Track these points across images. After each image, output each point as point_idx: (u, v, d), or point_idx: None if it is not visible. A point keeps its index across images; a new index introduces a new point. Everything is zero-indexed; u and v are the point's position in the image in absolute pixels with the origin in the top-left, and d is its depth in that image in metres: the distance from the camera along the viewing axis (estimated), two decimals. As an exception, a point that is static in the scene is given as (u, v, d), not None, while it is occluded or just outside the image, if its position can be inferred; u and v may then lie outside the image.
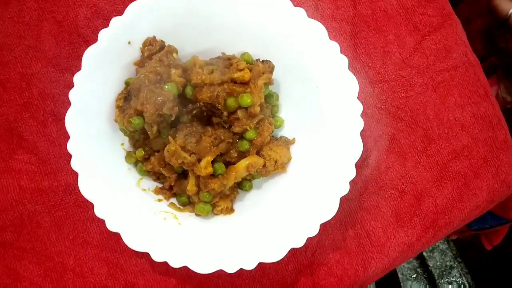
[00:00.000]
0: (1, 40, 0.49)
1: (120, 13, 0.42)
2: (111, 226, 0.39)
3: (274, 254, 0.39)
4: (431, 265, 1.08)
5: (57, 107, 0.48)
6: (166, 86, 0.40)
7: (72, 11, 0.49)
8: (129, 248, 0.39)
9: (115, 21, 0.41)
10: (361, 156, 0.41)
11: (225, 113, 0.41)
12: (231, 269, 0.39)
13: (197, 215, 0.44)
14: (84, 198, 0.39)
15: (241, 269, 0.39)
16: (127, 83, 0.43)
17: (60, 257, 0.46)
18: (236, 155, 0.43)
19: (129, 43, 0.42)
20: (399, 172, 0.49)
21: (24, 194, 0.47)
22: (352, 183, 0.40)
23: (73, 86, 0.40)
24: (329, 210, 0.40)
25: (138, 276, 0.46)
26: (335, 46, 0.42)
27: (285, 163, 0.45)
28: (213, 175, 0.42)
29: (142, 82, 0.40)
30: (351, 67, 0.43)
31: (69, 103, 0.40)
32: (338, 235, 0.47)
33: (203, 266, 0.39)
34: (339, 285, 0.47)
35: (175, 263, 0.39)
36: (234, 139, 0.42)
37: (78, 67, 0.40)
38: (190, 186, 0.42)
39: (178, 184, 0.44)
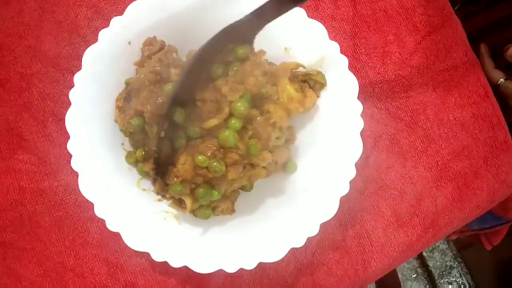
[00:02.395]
0: (1, 40, 0.49)
1: (120, 13, 0.42)
2: (111, 226, 0.39)
3: (274, 254, 0.39)
4: (431, 265, 1.08)
5: (57, 107, 0.48)
6: (166, 86, 0.40)
7: (72, 11, 0.49)
8: (129, 248, 0.39)
9: (115, 21, 0.41)
10: (361, 156, 0.41)
11: None
12: (231, 269, 0.39)
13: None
14: (84, 198, 0.39)
15: (241, 269, 0.39)
16: (127, 83, 0.43)
17: (60, 257, 0.46)
18: None
19: (129, 43, 0.42)
20: (399, 172, 0.49)
21: (24, 194, 0.47)
22: (352, 183, 0.40)
23: (73, 86, 0.40)
24: (329, 210, 0.40)
25: (138, 276, 0.46)
26: (335, 46, 0.42)
27: (285, 163, 0.44)
28: None
29: (142, 82, 0.40)
30: (351, 67, 0.43)
31: (69, 103, 0.40)
32: (338, 235, 0.47)
33: (203, 266, 0.39)
34: (339, 285, 0.47)
35: (175, 263, 0.39)
36: None
37: (78, 67, 0.40)
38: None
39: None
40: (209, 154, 0.37)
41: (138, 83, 0.41)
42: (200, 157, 0.37)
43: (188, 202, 0.40)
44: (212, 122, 0.38)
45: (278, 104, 0.41)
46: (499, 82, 0.56)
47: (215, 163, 0.37)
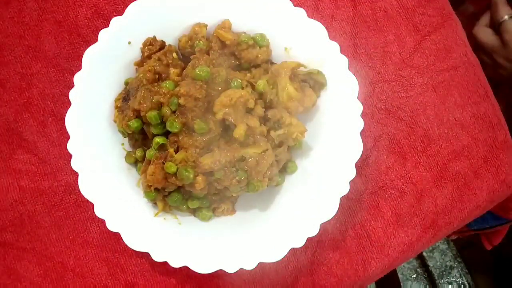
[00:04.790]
0: (1, 40, 0.49)
1: (120, 13, 0.42)
2: (111, 226, 0.39)
3: (274, 254, 0.39)
4: (431, 265, 1.08)
5: (57, 107, 0.48)
6: (164, 84, 0.40)
7: (72, 11, 0.49)
8: (129, 248, 0.39)
9: (115, 21, 0.41)
10: (361, 156, 0.41)
11: None
12: (231, 269, 0.39)
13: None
14: (84, 198, 0.39)
15: (241, 269, 0.39)
16: (126, 83, 0.43)
17: (60, 257, 0.46)
18: None
19: (129, 43, 0.42)
20: (399, 172, 0.49)
21: (24, 194, 0.47)
22: (352, 183, 0.40)
23: (73, 86, 0.40)
24: (329, 210, 0.40)
25: (138, 276, 0.46)
26: (335, 46, 0.42)
27: (286, 163, 0.44)
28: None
29: (140, 82, 0.40)
30: (351, 67, 0.43)
31: (69, 103, 0.40)
32: (338, 235, 0.47)
33: (203, 266, 0.39)
34: (339, 285, 0.47)
35: (175, 263, 0.39)
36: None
37: (78, 67, 0.40)
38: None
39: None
40: (179, 162, 0.38)
41: (136, 82, 0.41)
42: (168, 164, 0.38)
43: (160, 205, 0.42)
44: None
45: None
46: (502, 19, 0.55)
47: (182, 170, 0.38)
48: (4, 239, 0.47)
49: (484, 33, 0.59)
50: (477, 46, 0.59)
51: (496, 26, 0.55)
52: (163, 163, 0.38)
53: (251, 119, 0.39)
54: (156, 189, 0.40)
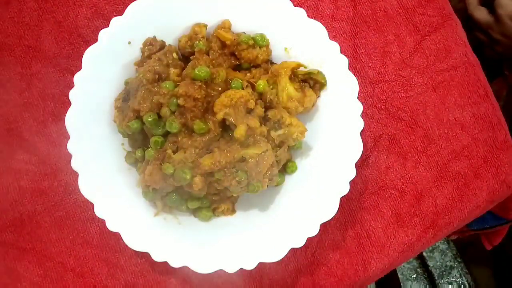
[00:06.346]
0: (1, 40, 0.49)
1: (120, 13, 0.42)
2: (111, 226, 0.39)
3: (274, 254, 0.39)
4: (431, 265, 1.08)
5: (57, 107, 0.48)
6: (164, 84, 0.40)
7: (72, 11, 0.49)
8: (129, 248, 0.39)
9: (115, 21, 0.41)
10: (361, 156, 0.41)
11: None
12: (231, 269, 0.39)
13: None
14: (84, 198, 0.39)
15: (241, 269, 0.39)
16: (126, 83, 0.43)
17: (60, 257, 0.46)
18: None
19: (129, 43, 0.42)
20: (399, 172, 0.49)
21: (24, 194, 0.47)
22: (352, 183, 0.40)
23: (73, 86, 0.40)
24: (329, 210, 0.40)
25: (138, 276, 0.46)
26: (335, 46, 0.42)
27: (286, 164, 0.45)
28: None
29: (140, 82, 0.40)
30: (351, 67, 0.43)
31: (69, 103, 0.40)
32: (338, 235, 0.47)
33: (203, 266, 0.39)
34: (339, 285, 0.47)
35: (175, 263, 0.39)
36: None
37: (78, 67, 0.40)
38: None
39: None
40: (177, 163, 0.38)
41: (136, 82, 0.41)
42: (166, 165, 0.38)
43: (159, 205, 0.42)
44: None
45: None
46: None
47: (179, 172, 0.37)
48: (4, 239, 0.47)
49: (479, 12, 0.62)
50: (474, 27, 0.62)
51: (490, 3, 0.57)
52: (161, 164, 0.38)
53: (251, 120, 0.39)
54: (155, 189, 0.40)
